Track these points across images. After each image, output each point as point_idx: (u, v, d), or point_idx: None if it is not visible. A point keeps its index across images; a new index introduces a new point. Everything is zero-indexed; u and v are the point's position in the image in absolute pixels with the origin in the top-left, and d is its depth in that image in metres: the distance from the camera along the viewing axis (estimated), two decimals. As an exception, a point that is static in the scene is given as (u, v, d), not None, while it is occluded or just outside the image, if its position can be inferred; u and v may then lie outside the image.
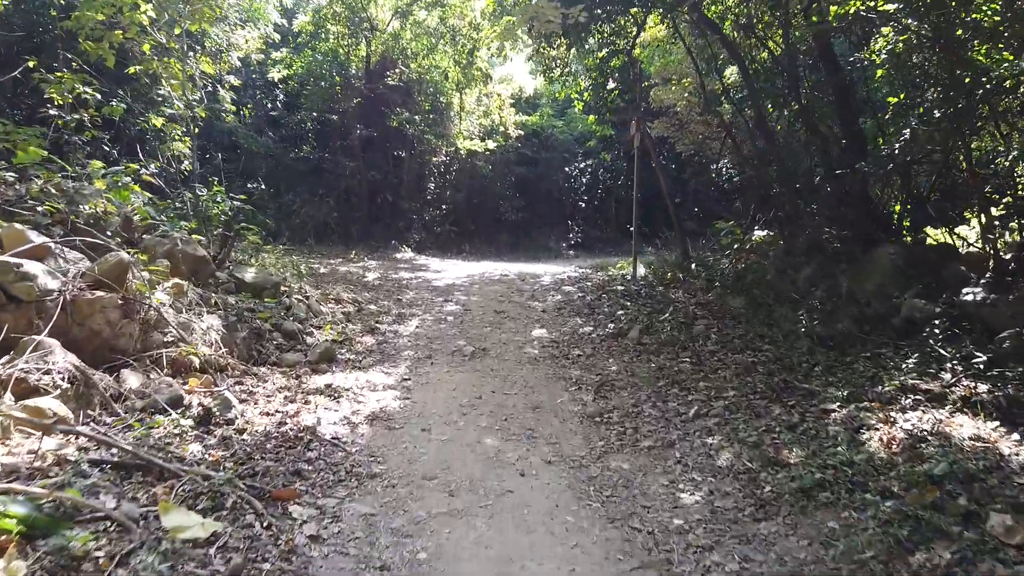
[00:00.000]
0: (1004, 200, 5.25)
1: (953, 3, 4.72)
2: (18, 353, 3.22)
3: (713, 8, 8.14)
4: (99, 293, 3.82)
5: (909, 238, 6.31)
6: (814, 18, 6.26)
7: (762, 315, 5.96)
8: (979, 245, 5.52)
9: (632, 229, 9.53)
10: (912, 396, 3.68)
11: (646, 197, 10.17)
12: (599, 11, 7.69)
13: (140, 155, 7.15)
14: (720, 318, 6.17)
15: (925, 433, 3.22)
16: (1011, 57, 4.51)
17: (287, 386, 4.44)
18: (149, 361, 3.91)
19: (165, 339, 4.12)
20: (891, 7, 5.10)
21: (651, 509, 2.92)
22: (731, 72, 9.42)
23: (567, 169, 18.29)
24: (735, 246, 8.43)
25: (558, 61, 9.52)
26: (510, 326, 6.70)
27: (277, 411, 3.89)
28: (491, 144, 16.18)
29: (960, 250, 5.75)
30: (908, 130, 5.26)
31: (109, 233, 4.77)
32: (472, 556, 2.53)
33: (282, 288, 6.42)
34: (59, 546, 2.07)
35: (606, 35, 8.82)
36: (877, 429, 3.35)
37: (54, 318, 3.47)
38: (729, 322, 6.00)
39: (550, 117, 19.44)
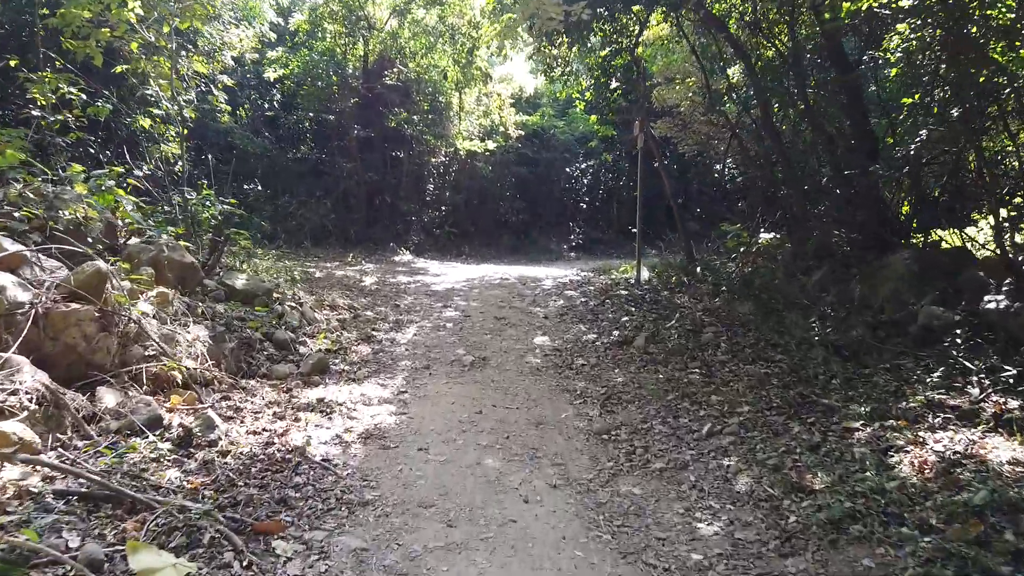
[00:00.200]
0: (1015, 200, 5.07)
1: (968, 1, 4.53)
2: (-17, 372, 2.99)
3: (718, 6, 7.94)
4: (74, 305, 3.59)
5: (916, 240, 6.11)
6: (826, 15, 6.05)
7: (772, 322, 5.73)
8: (991, 248, 5.31)
9: (635, 231, 9.29)
10: (940, 413, 3.46)
11: (648, 198, 9.93)
12: (602, 8, 7.49)
13: (128, 157, 6.88)
14: (729, 325, 5.95)
15: (958, 456, 3.00)
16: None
17: (277, 401, 4.22)
18: (128, 377, 3.67)
19: (146, 353, 3.88)
20: (906, 3, 4.90)
21: (666, 541, 2.69)
22: (736, 71, 9.22)
23: (568, 170, 18.02)
24: (741, 249, 8.21)
25: (559, 60, 9.30)
26: (511, 333, 6.47)
27: (264, 429, 3.67)
28: (491, 145, 15.91)
29: (974, 253, 5.55)
30: (925, 131, 5.07)
31: (90, 240, 4.53)
32: (472, 599, 2.32)
33: (275, 295, 6.19)
34: (8, 599, 1.86)
35: (608, 33, 8.61)
36: (907, 451, 3.12)
37: (24, 333, 3.24)
38: (739, 329, 5.77)
39: (551, 117, 19.15)
